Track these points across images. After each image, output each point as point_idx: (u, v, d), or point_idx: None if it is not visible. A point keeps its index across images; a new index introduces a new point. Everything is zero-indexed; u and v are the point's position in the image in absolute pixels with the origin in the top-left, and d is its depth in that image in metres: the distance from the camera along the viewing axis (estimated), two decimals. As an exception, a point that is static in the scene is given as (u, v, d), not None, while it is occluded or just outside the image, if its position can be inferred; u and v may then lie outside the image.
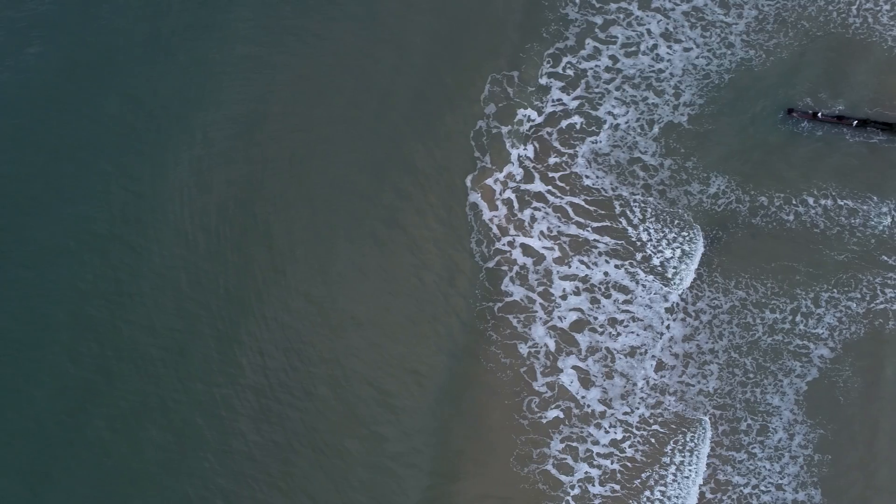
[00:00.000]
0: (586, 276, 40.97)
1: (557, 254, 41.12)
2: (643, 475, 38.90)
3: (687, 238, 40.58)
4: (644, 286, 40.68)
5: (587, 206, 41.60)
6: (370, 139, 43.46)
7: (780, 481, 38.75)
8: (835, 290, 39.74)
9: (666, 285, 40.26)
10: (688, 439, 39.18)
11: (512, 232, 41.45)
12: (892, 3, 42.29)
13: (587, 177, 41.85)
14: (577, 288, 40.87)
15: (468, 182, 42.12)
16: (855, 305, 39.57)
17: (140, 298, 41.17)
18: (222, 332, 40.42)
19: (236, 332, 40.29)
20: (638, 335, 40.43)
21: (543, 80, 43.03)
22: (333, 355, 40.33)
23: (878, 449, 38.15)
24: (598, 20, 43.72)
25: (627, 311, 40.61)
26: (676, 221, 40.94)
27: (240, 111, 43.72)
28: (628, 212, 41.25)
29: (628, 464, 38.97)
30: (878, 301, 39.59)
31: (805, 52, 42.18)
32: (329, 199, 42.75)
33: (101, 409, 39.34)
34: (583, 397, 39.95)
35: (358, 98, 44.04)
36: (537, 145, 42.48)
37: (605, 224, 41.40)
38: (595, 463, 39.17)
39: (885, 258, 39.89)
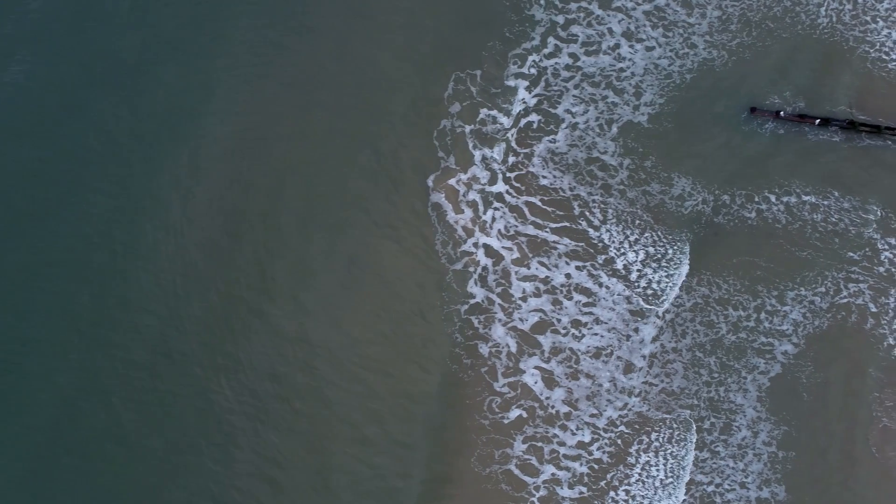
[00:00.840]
0: (547, 277, 41.31)
1: (517, 255, 41.32)
2: (609, 476, 39.40)
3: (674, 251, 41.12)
4: (608, 288, 41.24)
5: (548, 207, 41.80)
6: (333, 140, 43.36)
7: (743, 479, 39.39)
8: (801, 288, 40.41)
9: (649, 303, 40.78)
10: (653, 439, 39.74)
11: (477, 233, 41.76)
12: (855, 2, 42.95)
13: (545, 177, 42.04)
14: (537, 289, 41.14)
15: (430, 182, 42.31)
16: (819, 300, 40.21)
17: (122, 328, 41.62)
18: (202, 360, 40.77)
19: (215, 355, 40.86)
20: (602, 336, 40.90)
21: (508, 80, 43.24)
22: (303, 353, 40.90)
23: (842, 444, 38.73)
24: (561, 19, 43.90)
25: (591, 314, 41.07)
26: (637, 222, 41.45)
27: (219, 128, 43.99)
28: (587, 212, 41.58)
29: (595, 465, 39.50)
30: (841, 296, 40.24)
31: (769, 53, 42.70)
32: (297, 194, 43.02)
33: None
34: (547, 398, 40.54)
35: (321, 98, 43.92)
36: (502, 145, 42.80)
37: (565, 225, 41.65)
38: (562, 465, 39.71)
39: (851, 254, 40.63)
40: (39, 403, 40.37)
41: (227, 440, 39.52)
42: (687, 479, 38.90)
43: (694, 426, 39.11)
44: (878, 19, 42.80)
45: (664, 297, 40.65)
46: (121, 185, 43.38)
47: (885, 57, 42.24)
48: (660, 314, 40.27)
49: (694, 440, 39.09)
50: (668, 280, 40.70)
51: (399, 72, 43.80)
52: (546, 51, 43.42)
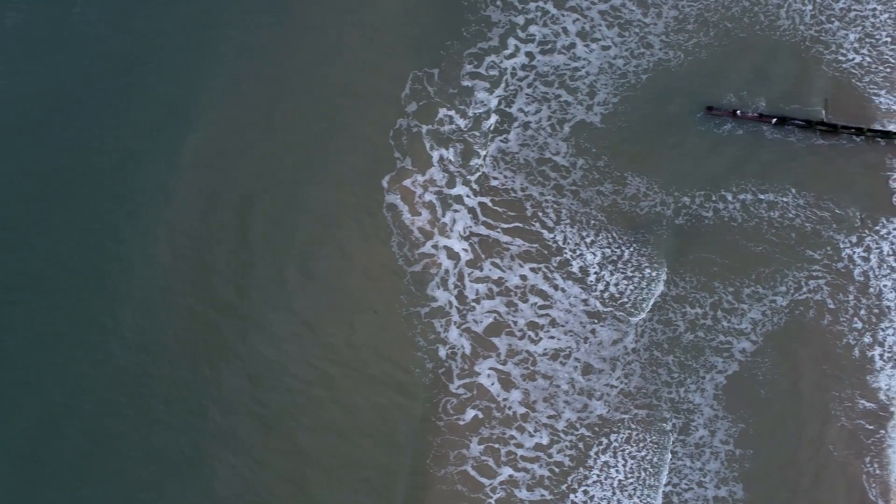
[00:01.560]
0: (501, 278, 41.39)
1: (471, 256, 41.39)
2: (570, 478, 39.49)
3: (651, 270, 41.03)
4: (563, 290, 41.41)
5: (499, 208, 41.89)
6: (290, 141, 43.12)
7: (701, 479, 39.68)
8: (759, 286, 40.72)
9: (626, 311, 40.84)
10: (612, 440, 39.91)
11: (437, 235, 41.81)
12: (815, 4, 43.50)
13: (496, 178, 42.25)
14: (491, 290, 41.21)
15: (385, 183, 42.19)
16: (779, 299, 40.59)
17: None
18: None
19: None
20: (559, 339, 41.10)
21: (465, 80, 43.31)
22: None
23: (799, 442, 39.14)
24: (519, 20, 44.00)
25: (547, 315, 41.19)
26: (592, 223, 41.55)
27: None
28: (540, 213, 41.59)
29: (556, 468, 39.61)
30: (801, 293, 40.64)
31: (727, 53, 43.07)
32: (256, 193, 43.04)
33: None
34: (504, 399, 40.54)
35: (279, 97, 43.72)
36: (459, 146, 42.88)
37: (519, 226, 41.77)
38: (521, 467, 39.79)
39: (810, 252, 41.05)
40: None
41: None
42: (664, 484, 39.15)
43: (670, 436, 39.53)
44: (834, 19, 43.42)
45: (641, 306, 40.99)
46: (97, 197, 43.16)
47: (840, 58, 42.86)
48: (618, 316, 40.53)
49: (669, 447, 39.47)
50: (635, 286, 40.98)
51: (357, 70, 43.72)
52: (505, 52, 43.52)
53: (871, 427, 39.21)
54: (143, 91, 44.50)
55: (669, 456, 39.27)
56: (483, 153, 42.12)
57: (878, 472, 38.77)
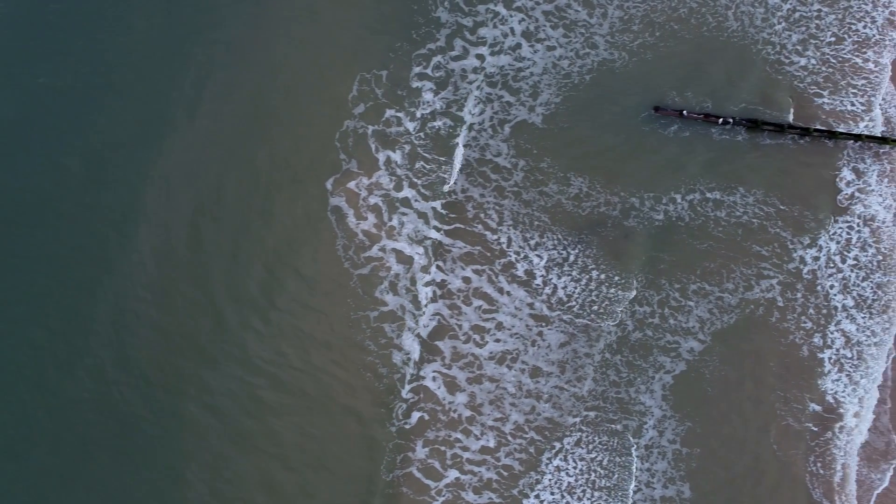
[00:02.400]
0: (444, 280, 41.41)
1: (423, 261, 41.40)
2: (521, 482, 39.65)
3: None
4: (509, 294, 41.45)
5: (444, 211, 41.92)
6: (235, 141, 42.85)
7: (649, 479, 39.99)
8: (705, 283, 41.02)
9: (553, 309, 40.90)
10: (565, 444, 40.10)
11: (383, 238, 41.86)
12: (765, 6, 44.00)
13: (450, 179, 42.11)
14: (435, 294, 41.17)
15: (329, 185, 41.98)
16: (727, 297, 40.96)
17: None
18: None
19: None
20: (505, 342, 41.19)
21: (414, 82, 43.38)
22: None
23: (745, 441, 39.58)
24: (466, 21, 43.95)
25: (492, 319, 41.24)
26: (536, 224, 41.83)
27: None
28: (482, 215, 41.63)
29: (504, 471, 39.76)
30: (750, 291, 41.03)
31: (673, 54, 43.35)
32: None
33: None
34: (449, 402, 40.55)
35: (224, 98, 43.41)
36: (406, 148, 43.04)
37: (461, 227, 41.80)
38: (467, 469, 39.84)
39: (757, 248, 41.49)
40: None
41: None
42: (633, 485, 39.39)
43: (629, 437, 39.81)
44: (782, 20, 43.99)
45: (571, 295, 41.21)
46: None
47: (783, 59, 43.40)
48: (565, 318, 40.76)
49: (633, 451, 39.72)
50: (583, 289, 41.29)
51: (303, 72, 43.53)
52: (452, 52, 43.48)
53: (816, 428, 39.73)
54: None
55: (635, 460, 39.60)
56: (428, 156, 42.24)
57: (821, 472, 39.29)
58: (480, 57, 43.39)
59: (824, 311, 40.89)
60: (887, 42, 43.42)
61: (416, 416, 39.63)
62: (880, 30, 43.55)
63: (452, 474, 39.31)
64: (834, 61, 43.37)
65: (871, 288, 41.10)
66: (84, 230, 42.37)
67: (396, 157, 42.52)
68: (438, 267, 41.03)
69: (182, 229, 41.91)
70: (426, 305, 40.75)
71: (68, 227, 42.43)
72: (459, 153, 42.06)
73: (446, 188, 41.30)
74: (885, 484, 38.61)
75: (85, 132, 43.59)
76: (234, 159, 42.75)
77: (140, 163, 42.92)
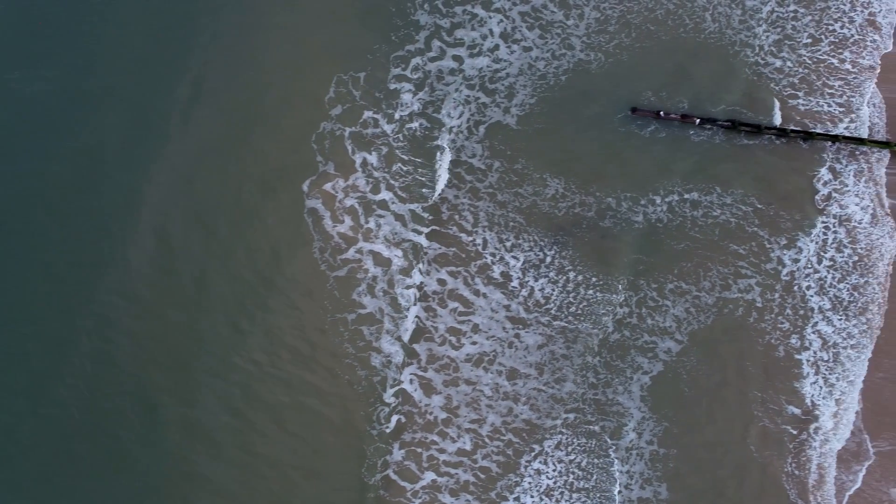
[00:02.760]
0: (422, 283, 41.34)
1: (402, 263, 41.34)
2: (498, 484, 39.71)
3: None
4: (485, 296, 41.50)
5: (425, 214, 41.91)
6: (214, 140, 42.95)
7: (627, 480, 40.06)
8: (681, 282, 41.16)
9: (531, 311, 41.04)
10: (545, 446, 40.16)
11: (360, 240, 41.88)
12: (743, 8, 44.15)
13: (428, 183, 42.20)
14: (415, 296, 41.20)
15: (305, 187, 41.99)
16: (704, 296, 41.03)
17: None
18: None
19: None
20: (481, 345, 41.14)
21: (392, 84, 43.34)
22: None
23: (721, 442, 39.68)
24: (445, 23, 44.15)
25: (468, 321, 41.30)
26: (511, 225, 41.81)
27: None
28: (457, 217, 41.73)
29: (481, 474, 39.83)
30: (728, 291, 41.12)
31: (650, 55, 43.40)
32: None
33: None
34: (426, 405, 40.60)
35: (199, 98, 43.42)
36: (383, 150, 43.05)
37: (437, 229, 41.82)
38: (443, 471, 39.89)
39: (735, 247, 41.54)
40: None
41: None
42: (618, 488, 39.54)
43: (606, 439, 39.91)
44: (762, 22, 44.14)
45: (549, 297, 41.27)
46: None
47: (760, 61, 43.56)
48: (543, 321, 40.83)
49: (612, 453, 39.82)
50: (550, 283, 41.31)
51: (280, 73, 43.53)
52: (430, 54, 43.56)
53: (792, 430, 39.87)
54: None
55: (615, 462, 39.70)
56: (406, 158, 42.25)
57: (797, 473, 39.43)
58: (458, 58, 43.47)
59: (801, 313, 41.05)
60: (868, 43, 43.67)
61: (394, 419, 39.73)
62: (859, 30, 43.81)
63: (429, 476, 39.36)
64: (811, 62, 43.59)
65: (848, 289, 41.30)
66: (58, 236, 42.43)
67: (373, 158, 42.53)
68: (420, 270, 41.11)
69: (152, 232, 41.90)
70: (408, 309, 40.80)
71: (48, 233, 42.43)
72: (446, 160, 42.01)
73: (431, 199, 41.32)
74: (858, 485, 38.80)
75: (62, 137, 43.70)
76: (209, 161, 42.75)
77: (117, 165, 42.94)
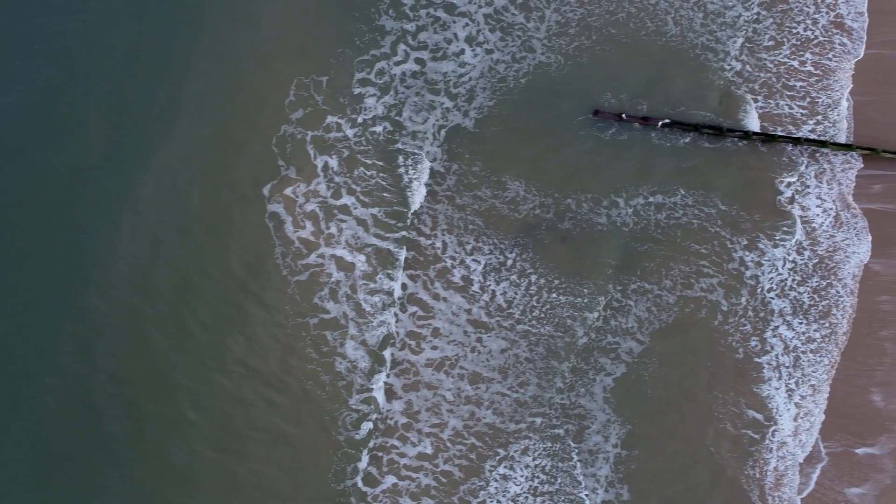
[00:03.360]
0: (390, 288, 41.40)
1: (366, 267, 41.54)
2: (461, 488, 39.95)
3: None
4: (445, 300, 41.71)
5: (389, 220, 42.09)
6: (170, 145, 42.99)
7: (591, 484, 40.21)
8: (644, 282, 41.41)
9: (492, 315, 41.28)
10: (511, 452, 40.48)
11: (322, 245, 42.00)
12: (705, 12, 44.32)
13: (389, 187, 42.36)
14: (383, 302, 41.35)
15: (266, 191, 42.01)
16: (666, 295, 41.32)
17: None
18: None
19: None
20: (442, 350, 41.23)
21: (356, 88, 43.35)
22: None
23: (682, 442, 39.98)
24: (404, 25, 44.07)
25: (428, 325, 41.44)
26: (471, 228, 41.96)
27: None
28: (416, 221, 41.97)
29: (442, 478, 40.09)
30: (691, 291, 41.35)
31: (612, 57, 43.43)
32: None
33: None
34: (387, 410, 40.68)
35: (157, 95, 43.61)
36: (345, 153, 43.09)
37: (402, 235, 41.90)
38: (404, 475, 40.13)
39: (696, 247, 41.79)
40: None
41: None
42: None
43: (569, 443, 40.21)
44: (725, 27, 44.32)
45: (513, 301, 41.55)
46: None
47: (726, 66, 43.72)
48: (506, 325, 41.16)
49: (574, 457, 40.06)
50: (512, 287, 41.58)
51: (238, 75, 43.56)
52: (396, 58, 43.63)
53: (751, 433, 40.08)
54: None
55: (578, 466, 40.02)
56: (368, 162, 42.46)
57: (757, 475, 39.78)
58: (420, 61, 43.61)
59: (762, 315, 41.31)
60: (835, 44, 43.93)
61: (364, 425, 40.14)
62: (823, 32, 44.10)
63: (389, 480, 39.61)
64: (774, 66, 43.84)
65: (809, 293, 41.63)
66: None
67: (335, 163, 42.65)
68: (387, 275, 41.40)
69: (113, 235, 42.11)
70: (374, 314, 41.02)
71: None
72: (425, 170, 42.08)
73: (410, 212, 41.42)
74: (811, 488, 39.24)
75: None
76: (167, 163, 42.83)
77: (78, 166, 43.15)
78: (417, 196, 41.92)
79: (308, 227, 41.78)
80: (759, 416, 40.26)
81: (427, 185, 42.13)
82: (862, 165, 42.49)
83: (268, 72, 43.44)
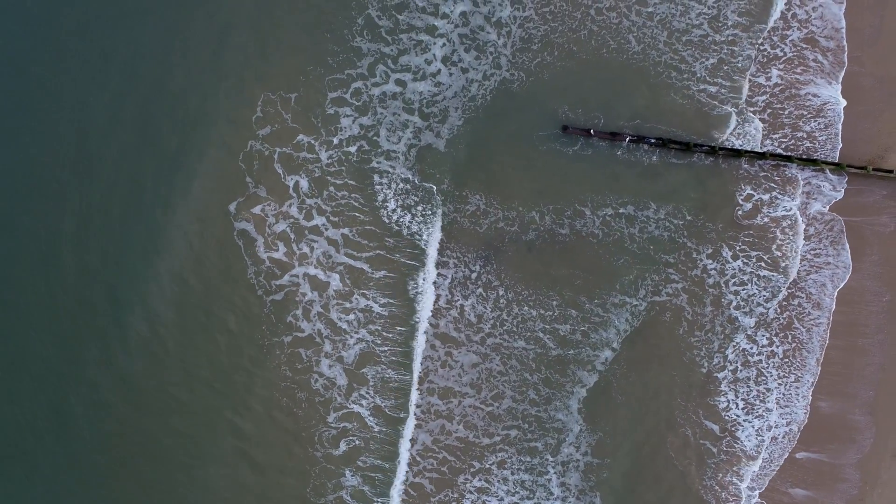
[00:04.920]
0: (367, 307, 42.72)
1: (339, 286, 42.50)
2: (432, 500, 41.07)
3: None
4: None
5: (362, 240, 43.00)
6: (133, 158, 43.65)
7: (563, 494, 41.66)
8: (620, 294, 42.87)
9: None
10: (484, 463, 41.72)
11: (294, 264, 42.53)
12: (668, 31, 45.15)
13: (361, 206, 43.28)
14: (360, 320, 42.60)
15: (232, 208, 42.66)
16: (636, 303, 42.85)
17: None
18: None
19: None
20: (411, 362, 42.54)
21: (329, 108, 43.68)
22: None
23: (646, 448, 41.87)
24: (382, 48, 44.41)
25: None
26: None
27: None
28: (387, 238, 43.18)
29: (413, 491, 41.27)
30: (658, 296, 42.94)
31: (581, 74, 44.25)
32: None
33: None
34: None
35: (124, 111, 44.02)
36: (315, 173, 43.39)
37: (379, 253, 43.15)
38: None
39: (665, 256, 43.26)
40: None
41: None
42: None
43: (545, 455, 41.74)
44: (689, 45, 45.21)
45: (483, 316, 42.73)
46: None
47: (692, 86, 44.71)
48: (476, 339, 42.37)
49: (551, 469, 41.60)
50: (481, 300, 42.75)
51: (201, 89, 43.99)
52: (374, 80, 44.05)
53: (709, 445, 41.96)
54: None
55: (553, 475, 41.40)
56: (339, 182, 43.25)
57: (715, 487, 41.62)
58: (401, 83, 43.94)
59: (724, 329, 42.85)
60: (807, 61, 44.95)
61: (343, 442, 41.75)
62: (792, 48, 45.08)
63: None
64: (736, 81, 45.04)
65: (774, 306, 43.11)
66: None
67: (305, 183, 43.14)
68: (363, 294, 42.57)
69: (71, 250, 42.94)
70: (350, 333, 42.10)
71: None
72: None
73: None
74: (762, 489, 41.78)
75: None
76: (123, 175, 43.62)
77: (50, 179, 43.84)
78: (395, 217, 42.85)
79: (280, 247, 42.54)
80: (715, 427, 42.05)
81: (403, 206, 43.01)
82: (832, 180, 44.13)
83: (234, 88, 43.73)
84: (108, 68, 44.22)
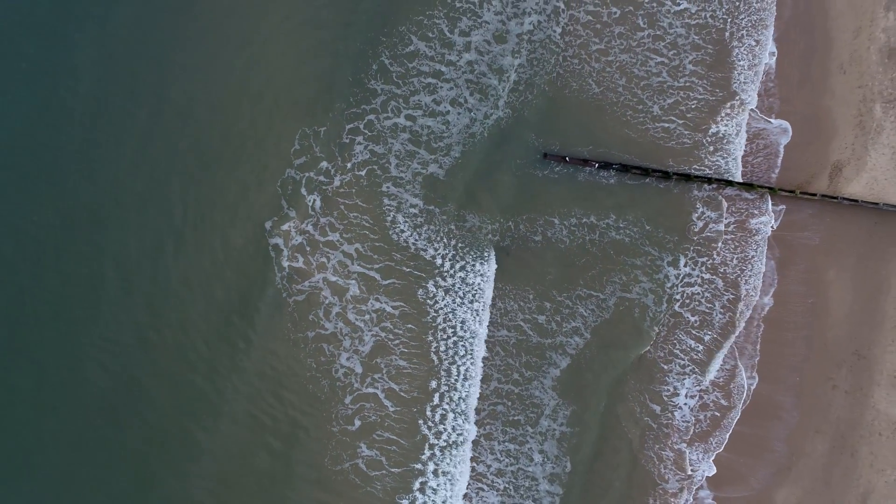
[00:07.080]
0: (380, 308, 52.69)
1: (356, 291, 52.25)
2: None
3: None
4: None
5: (371, 253, 52.74)
6: (192, 187, 53.06)
7: (542, 463, 51.76)
8: (586, 289, 52.19)
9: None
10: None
11: (316, 273, 52.16)
12: (626, 77, 53.61)
13: (371, 223, 53.02)
14: (374, 318, 52.34)
15: (268, 226, 52.20)
16: (603, 297, 52.19)
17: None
18: None
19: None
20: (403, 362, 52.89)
21: (346, 137, 52.89)
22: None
23: (607, 424, 51.80)
24: (393, 90, 53.59)
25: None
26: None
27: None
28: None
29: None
30: (625, 295, 52.29)
31: (560, 112, 53.11)
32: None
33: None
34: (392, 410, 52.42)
35: (180, 151, 53.32)
36: (328, 194, 52.75)
37: (388, 264, 52.95)
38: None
39: (626, 258, 52.45)
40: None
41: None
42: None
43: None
44: (647, 89, 53.35)
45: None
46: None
47: (650, 124, 53.39)
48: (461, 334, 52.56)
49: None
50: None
51: (252, 128, 53.38)
52: (384, 115, 53.33)
53: (650, 422, 51.63)
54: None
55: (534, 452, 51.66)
56: (348, 203, 53.08)
57: (653, 457, 51.70)
58: (412, 118, 53.15)
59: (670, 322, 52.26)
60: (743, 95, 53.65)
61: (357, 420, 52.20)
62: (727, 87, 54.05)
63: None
64: (685, 115, 53.95)
65: (707, 310, 52.40)
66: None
67: (319, 202, 52.61)
68: (377, 299, 52.65)
69: (111, 257, 52.50)
70: (366, 331, 52.02)
71: None
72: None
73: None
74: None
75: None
76: (181, 199, 53.12)
77: (103, 203, 53.26)
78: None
79: (300, 258, 52.30)
80: (657, 408, 51.87)
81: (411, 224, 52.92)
82: (769, 201, 52.52)
83: (278, 124, 53.24)
84: (184, 125, 53.73)
